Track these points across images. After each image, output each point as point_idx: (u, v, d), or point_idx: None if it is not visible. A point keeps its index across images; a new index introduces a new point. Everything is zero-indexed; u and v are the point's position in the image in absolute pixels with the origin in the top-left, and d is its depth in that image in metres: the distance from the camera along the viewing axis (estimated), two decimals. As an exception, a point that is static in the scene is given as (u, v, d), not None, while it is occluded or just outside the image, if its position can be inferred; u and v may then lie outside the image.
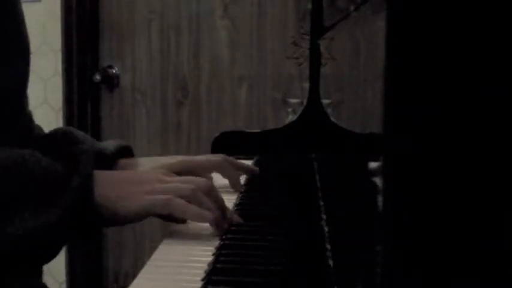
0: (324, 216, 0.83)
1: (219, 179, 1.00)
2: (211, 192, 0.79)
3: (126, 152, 0.94)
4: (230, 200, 0.93)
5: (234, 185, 0.99)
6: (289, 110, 1.53)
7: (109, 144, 0.93)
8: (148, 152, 2.29)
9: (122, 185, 0.77)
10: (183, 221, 0.83)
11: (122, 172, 0.85)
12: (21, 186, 0.71)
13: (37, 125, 0.96)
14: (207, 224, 0.81)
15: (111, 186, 0.76)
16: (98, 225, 0.76)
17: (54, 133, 0.89)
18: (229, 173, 0.98)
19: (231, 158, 0.99)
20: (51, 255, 0.74)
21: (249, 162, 1.21)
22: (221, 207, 0.79)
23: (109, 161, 0.90)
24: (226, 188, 0.99)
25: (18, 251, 0.71)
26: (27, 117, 0.92)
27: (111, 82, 2.35)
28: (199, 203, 0.77)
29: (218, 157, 1.00)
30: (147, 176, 0.81)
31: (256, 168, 1.03)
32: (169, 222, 0.83)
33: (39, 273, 0.90)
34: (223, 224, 0.79)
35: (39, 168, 0.72)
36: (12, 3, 0.82)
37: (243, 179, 1.06)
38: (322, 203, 0.89)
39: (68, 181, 0.72)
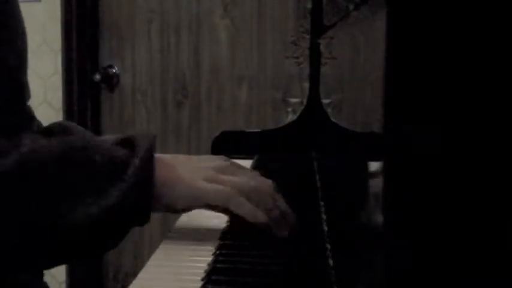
0: (324, 216, 0.82)
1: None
2: (274, 194, 0.77)
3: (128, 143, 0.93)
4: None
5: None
6: (289, 109, 1.53)
7: (108, 138, 0.91)
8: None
9: (180, 169, 0.75)
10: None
11: (180, 156, 0.81)
12: (81, 171, 0.70)
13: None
14: (207, 224, 0.81)
15: (169, 170, 0.74)
16: (156, 209, 0.74)
17: (54, 125, 0.87)
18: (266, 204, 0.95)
19: (232, 161, 0.98)
20: (115, 241, 0.73)
21: (249, 162, 1.21)
22: (282, 211, 0.77)
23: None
24: None
25: (84, 237, 0.70)
26: (29, 108, 0.92)
27: (111, 82, 2.35)
28: (260, 202, 0.74)
29: (219, 158, 0.98)
30: (208, 162, 0.79)
31: (257, 173, 1.01)
32: (170, 220, 0.82)
33: (41, 274, 0.90)
34: (282, 226, 0.76)
35: (99, 153, 0.71)
36: None
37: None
38: (322, 203, 0.89)
39: (128, 164, 0.71)
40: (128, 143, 0.74)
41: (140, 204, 0.71)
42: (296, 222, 0.78)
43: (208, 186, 0.74)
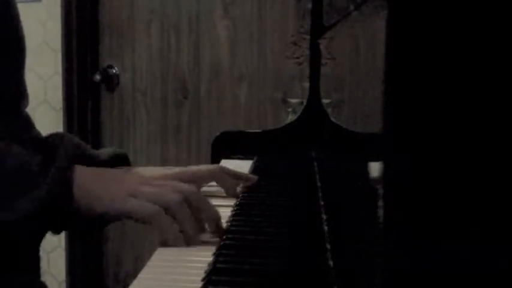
0: (324, 216, 0.82)
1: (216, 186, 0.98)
2: (201, 203, 0.77)
3: (122, 159, 0.93)
4: (229, 204, 0.93)
5: (232, 193, 0.97)
6: (289, 109, 1.53)
7: (104, 151, 0.91)
8: (148, 152, 2.29)
9: (104, 182, 0.75)
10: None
11: (106, 169, 0.82)
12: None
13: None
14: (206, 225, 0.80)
15: (93, 182, 0.74)
16: (74, 220, 0.74)
17: (51, 136, 0.88)
18: (226, 182, 0.96)
19: (227, 168, 0.97)
20: (27, 247, 0.73)
21: (249, 162, 1.21)
22: (213, 219, 0.77)
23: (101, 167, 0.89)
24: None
25: None
26: (26, 117, 0.92)
27: (111, 82, 2.35)
28: (180, 217, 0.74)
29: (214, 166, 0.98)
30: (132, 175, 0.79)
31: (254, 177, 1.01)
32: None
33: (38, 273, 0.89)
34: (197, 239, 0.76)
35: (13, 160, 0.71)
36: None
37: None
38: (322, 203, 0.89)
39: (45, 172, 0.70)
40: (48, 151, 0.74)
41: (54, 214, 0.71)
42: (220, 220, 0.78)
43: (131, 202, 0.74)
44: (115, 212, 0.74)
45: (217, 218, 0.78)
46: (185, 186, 0.77)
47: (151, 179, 0.78)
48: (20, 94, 0.87)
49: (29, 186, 0.70)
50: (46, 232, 0.74)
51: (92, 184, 0.74)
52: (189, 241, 0.75)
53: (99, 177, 0.76)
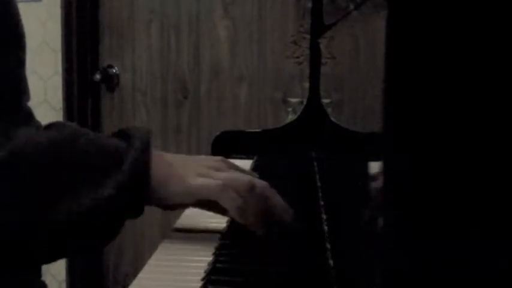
0: (324, 216, 0.82)
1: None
2: (266, 192, 0.77)
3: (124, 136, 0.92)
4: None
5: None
6: (289, 109, 1.53)
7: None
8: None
9: (176, 165, 0.75)
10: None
11: (176, 154, 0.82)
12: (74, 163, 0.70)
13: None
14: (207, 224, 0.81)
15: (165, 165, 0.74)
16: (150, 204, 0.74)
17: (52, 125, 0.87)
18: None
19: (229, 161, 0.98)
20: (110, 233, 0.72)
21: (249, 162, 1.21)
22: (279, 209, 0.77)
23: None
24: None
25: (79, 229, 0.69)
26: (27, 109, 0.91)
27: (111, 82, 2.35)
28: (251, 199, 0.74)
29: (217, 159, 0.98)
30: (203, 161, 0.79)
31: (255, 174, 1.01)
32: (170, 220, 0.82)
33: (39, 272, 0.89)
34: (271, 226, 0.76)
35: (94, 144, 0.72)
36: None
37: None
38: (322, 203, 0.89)
39: (124, 155, 0.71)
40: (123, 135, 0.74)
41: (135, 197, 0.71)
42: (293, 219, 0.78)
43: (200, 180, 0.74)
44: (184, 193, 0.74)
45: (288, 210, 0.77)
46: (255, 179, 0.77)
47: (215, 164, 0.78)
48: (21, 91, 0.87)
49: (112, 169, 0.70)
50: (127, 216, 0.73)
51: (163, 167, 0.74)
52: (255, 228, 0.75)
53: (169, 160, 0.76)
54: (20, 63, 0.86)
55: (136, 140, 0.73)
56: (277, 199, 0.77)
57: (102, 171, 0.70)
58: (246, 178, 0.76)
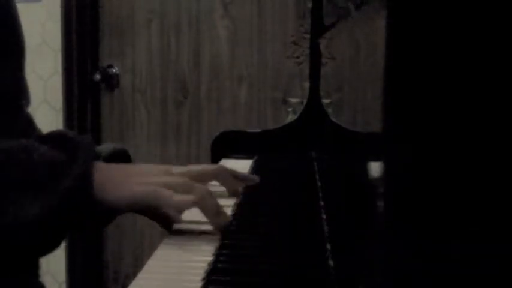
0: (324, 216, 0.82)
1: (217, 186, 0.98)
2: (206, 195, 0.78)
3: (122, 155, 0.94)
4: (229, 203, 0.93)
5: (233, 193, 0.98)
6: (289, 109, 1.53)
7: (104, 147, 0.93)
8: (149, 152, 2.29)
9: (117, 176, 0.78)
10: (167, 225, 0.84)
11: (119, 165, 0.85)
12: (20, 172, 0.72)
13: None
14: (207, 224, 0.81)
15: (107, 177, 0.77)
16: (92, 215, 0.76)
17: (52, 133, 0.89)
18: (228, 181, 0.96)
19: (229, 168, 0.98)
20: (49, 246, 0.75)
21: (249, 162, 1.21)
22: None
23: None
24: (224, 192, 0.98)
25: (18, 241, 0.71)
26: (27, 116, 0.92)
27: (111, 82, 2.35)
28: (188, 191, 0.77)
29: (216, 166, 0.99)
30: (143, 169, 0.82)
31: (256, 177, 1.01)
32: (167, 229, 0.83)
33: (37, 273, 0.89)
34: (219, 218, 0.78)
35: (38, 156, 0.74)
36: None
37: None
38: (322, 203, 0.89)
39: (68, 169, 0.73)
40: (69, 149, 0.76)
41: (77, 210, 0.73)
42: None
43: (140, 188, 0.77)
44: (124, 200, 0.76)
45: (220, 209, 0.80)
46: (193, 182, 0.80)
47: (157, 172, 0.81)
48: (20, 93, 0.87)
49: (55, 181, 0.72)
50: (69, 228, 0.75)
51: (107, 178, 0.77)
52: (212, 218, 0.78)
53: (113, 171, 0.79)
54: (19, 67, 0.86)
55: (81, 154, 0.75)
56: (215, 199, 0.80)
57: (46, 184, 0.72)
58: (181, 180, 0.79)
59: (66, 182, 0.72)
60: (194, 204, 0.77)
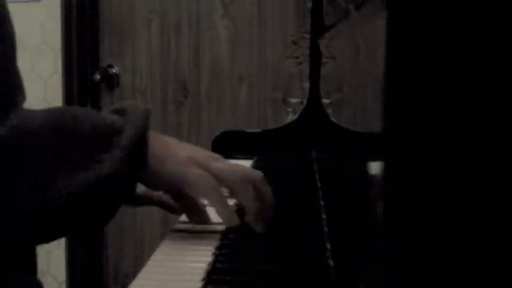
0: (324, 216, 0.82)
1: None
2: (259, 185, 0.77)
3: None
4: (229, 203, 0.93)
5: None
6: (289, 109, 1.53)
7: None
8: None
9: (173, 147, 0.75)
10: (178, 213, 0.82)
11: (171, 138, 0.82)
12: (71, 140, 0.69)
13: None
14: (207, 224, 0.81)
15: (162, 144, 0.74)
16: (142, 181, 0.74)
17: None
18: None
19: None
20: (108, 212, 0.71)
21: (249, 162, 1.21)
22: (265, 202, 0.77)
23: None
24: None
25: (78, 207, 0.68)
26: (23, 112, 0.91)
27: (111, 82, 2.35)
28: (243, 196, 0.75)
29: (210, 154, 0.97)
30: (197, 148, 0.79)
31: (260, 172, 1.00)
32: (170, 220, 0.83)
33: (34, 271, 0.89)
34: (257, 224, 0.76)
35: (90, 121, 0.71)
36: None
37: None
38: (322, 203, 0.89)
39: (121, 132, 0.70)
40: (121, 112, 0.74)
41: (132, 174, 0.70)
42: (273, 213, 0.79)
43: (194, 170, 0.74)
44: (176, 175, 0.74)
45: (268, 202, 0.78)
46: (247, 167, 0.78)
47: (212, 155, 0.78)
48: (16, 88, 0.87)
49: (112, 143, 0.69)
50: (126, 195, 0.72)
51: (160, 146, 0.74)
52: (254, 223, 0.76)
53: (166, 142, 0.76)
54: (10, 56, 0.85)
55: (134, 117, 0.72)
56: (268, 193, 0.78)
57: (100, 147, 0.69)
58: (240, 173, 0.76)
59: (118, 151, 0.68)
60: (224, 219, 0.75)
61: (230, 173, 0.75)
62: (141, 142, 0.71)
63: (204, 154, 0.78)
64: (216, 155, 0.80)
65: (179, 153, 0.75)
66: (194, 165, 0.74)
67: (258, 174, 0.78)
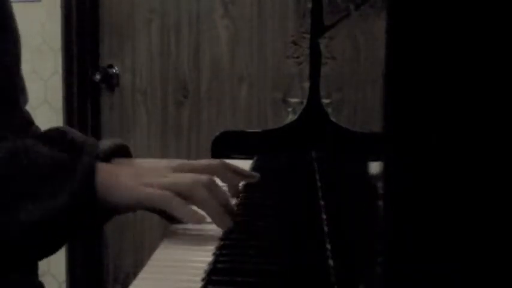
0: (324, 216, 0.82)
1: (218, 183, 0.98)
2: (213, 188, 0.78)
3: (123, 151, 0.94)
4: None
5: (233, 190, 0.97)
6: (289, 109, 1.53)
7: (104, 143, 0.92)
8: (149, 152, 2.29)
9: (120, 176, 0.78)
10: (177, 221, 0.83)
11: (121, 165, 0.85)
12: (25, 174, 0.72)
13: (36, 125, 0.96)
14: (207, 224, 0.80)
15: (110, 177, 0.76)
16: (95, 215, 0.77)
17: (52, 131, 0.89)
18: (228, 178, 0.96)
19: (230, 164, 0.97)
20: (51, 248, 0.75)
21: (249, 162, 1.21)
22: (223, 203, 0.79)
23: (103, 159, 0.90)
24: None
25: (25, 241, 0.71)
26: (25, 113, 0.91)
27: (111, 82, 2.35)
28: (199, 198, 0.76)
29: (217, 162, 0.98)
30: (146, 169, 0.82)
31: (257, 175, 1.01)
32: (169, 221, 0.83)
33: (35, 272, 0.89)
34: (224, 221, 0.78)
35: (42, 157, 0.74)
36: None
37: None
38: (322, 203, 0.89)
39: (73, 168, 0.73)
40: (73, 147, 0.76)
41: (82, 210, 0.73)
42: (234, 210, 0.81)
43: (145, 190, 0.76)
44: (129, 201, 0.76)
45: (226, 202, 0.80)
46: (197, 175, 0.80)
47: (162, 171, 0.81)
48: (19, 89, 0.87)
49: (59, 183, 0.72)
50: (71, 230, 0.76)
51: (109, 178, 0.76)
52: (219, 224, 0.77)
53: (118, 173, 0.78)
54: (16, 61, 0.86)
55: (85, 154, 0.76)
56: (221, 192, 0.80)
57: (52, 184, 0.72)
58: (187, 179, 0.78)
59: (69, 185, 0.72)
60: (201, 222, 0.77)
61: (180, 181, 0.78)
62: (90, 178, 0.74)
63: (153, 171, 0.81)
64: (162, 168, 0.83)
65: (128, 179, 0.78)
66: (142, 185, 0.77)
67: (205, 177, 0.80)
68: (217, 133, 1.34)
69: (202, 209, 0.77)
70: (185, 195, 0.76)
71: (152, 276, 0.68)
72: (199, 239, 0.78)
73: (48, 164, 0.73)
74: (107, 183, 0.75)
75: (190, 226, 0.82)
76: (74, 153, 0.75)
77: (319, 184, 1.01)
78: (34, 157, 0.73)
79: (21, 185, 0.71)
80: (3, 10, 0.83)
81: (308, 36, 1.33)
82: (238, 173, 0.97)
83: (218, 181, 0.94)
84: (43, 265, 2.22)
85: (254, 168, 1.17)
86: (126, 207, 0.78)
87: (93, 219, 0.76)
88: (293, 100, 1.85)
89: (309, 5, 1.33)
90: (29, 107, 0.94)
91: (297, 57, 2.12)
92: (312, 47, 1.30)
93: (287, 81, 2.17)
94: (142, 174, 0.79)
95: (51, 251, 0.76)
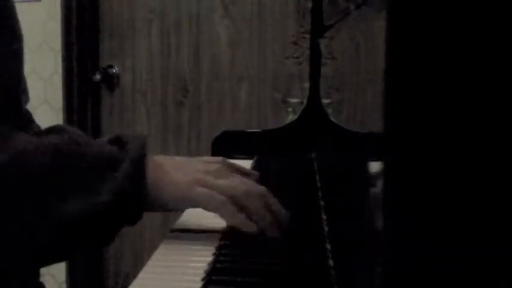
0: (324, 216, 0.82)
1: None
2: (266, 199, 0.77)
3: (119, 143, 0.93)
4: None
5: None
6: (289, 109, 1.53)
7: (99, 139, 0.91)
8: (149, 152, 2.29)
9: (172, 171, 0.76)
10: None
11: (175, 158, 0.83)
12: (71, 169, 0.70)
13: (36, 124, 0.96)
14: (207, 224, 0.81)
15: (161, 171, 0.75)
16: (147, 209, 0.75)
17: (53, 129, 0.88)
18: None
19: (229, 161, 0.97)
20: (104, 239, 0.73)
21: (249, 162, 1.21)
22: (275, 213, 0.77)
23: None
24: None
25: (72, 235, 0.70)
26: (26, 112, 0.91)
27: (111, 82, 2.35)
28: (251, 207, 0.75)
29: (216, 160, 0.98)
30: (201, 165, 0.80)
31: (257, 173, 1.01)
32: (170, 220, 0.83)
33: (37, 273, 0.89)
34: (273, 229, 0.76)
35: (90, 151, 0.72)
36: None
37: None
38: (322, 203, 0.89)
39: (120, 163, 0.71)
40: (119, 142, 0.75)
41: (131, 203, 0.72)
42: (288, 222, 0.78)
43: (199, 190, 0.75)
44: (181, 200, 0.75)
45: (278, 211, 0.78)
46: (251, 181, 0.79)
47: (214, 172, 0.79)
48: (21, 89, 0.87)
49: (108, 175, 0.70)
50: (123, 222, 0.74)
51: (159, 173, 0.75)
52: (270, 233, 0.76)
53: (165, 166, 0.77)
54: (19, 61, 0.86)
55: (132, 146, 0.73)
56: (275, 203, 0.78)
57: (97, 178, 0.70)
58: (244, 187, 0.77)
59: (117, 178, 0.70)
60: (254, 231, 0.75)
61: (235, 188, 0.76)
62: (138, 173, 0.72)
63: (205, 170, 0.78)
64: (217, 166, 0.80)
65: (180, 176, 0.76)
66: (197, 185, 0.75)
67: (262, 187, 0.79)
68: (218, 133, 1.34)
69: (256, 219, 0.76)
70: (240, 202, 0.75)
71: (152, 276, 0.68)
72: (199, 239, 0.78)
73: (96, 157, 0.71)
74: (157, 179, 0.74)
75: (190, 226, 0.82)
76: (120, 146, 0.73)
77: (319, 184, 1.01)
78: (82, 150, 0.72)
79: (66, 179, 0.70)
80: (6, 11, 0.83)
81: (308, 36, 1.33)
82: (238, 170, 0.96)
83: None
84: (43, 265, 2.20)
85: (254, 168, 1.17)
86: (176, 205, 0.76)
87: (140, 214, 0.74)
88: (293, 100, 1.85)
89: (309, 5, 1.33)
90: (29, 107, 0.94)
91: (297, 58, 2.12)
92: (312, 47, 1.30)
93: (287, 82, 2.17)
94: (194, 170, 0.77)
95: (98, 245, 0.75)
